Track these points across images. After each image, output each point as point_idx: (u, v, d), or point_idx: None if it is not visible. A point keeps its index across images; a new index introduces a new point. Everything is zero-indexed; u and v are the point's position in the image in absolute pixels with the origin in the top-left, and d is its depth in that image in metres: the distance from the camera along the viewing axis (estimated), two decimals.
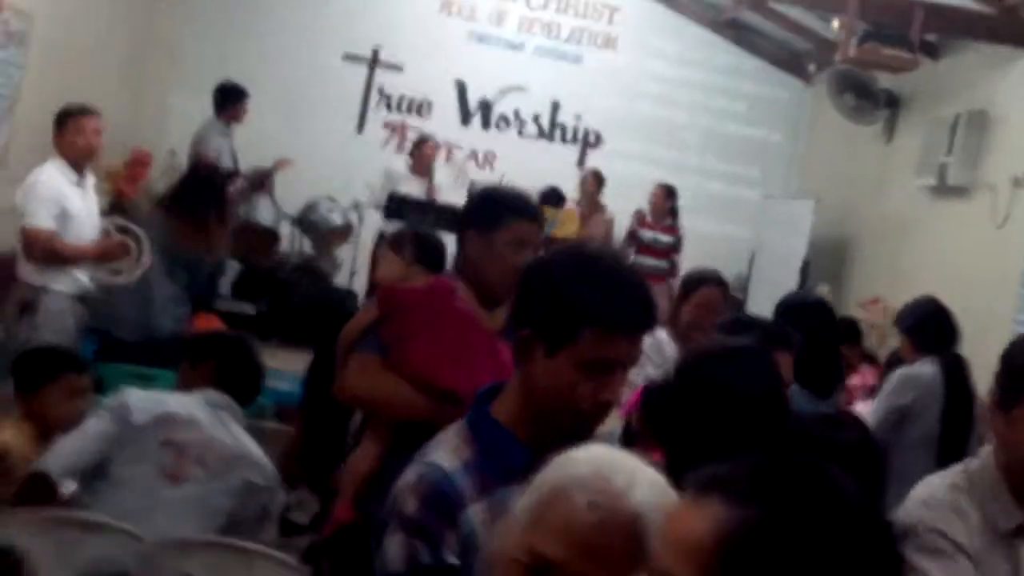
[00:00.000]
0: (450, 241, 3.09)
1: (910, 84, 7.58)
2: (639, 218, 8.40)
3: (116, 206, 6.97)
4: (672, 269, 8.12)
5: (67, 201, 4.55)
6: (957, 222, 6.73)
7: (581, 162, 9.58)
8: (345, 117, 9.38)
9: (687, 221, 8.48)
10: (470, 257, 2.47)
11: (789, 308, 3.63)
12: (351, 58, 9.37)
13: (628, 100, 9.61)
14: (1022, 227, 5.94)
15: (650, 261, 8.12)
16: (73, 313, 4.61)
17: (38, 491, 2.72)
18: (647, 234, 8.33)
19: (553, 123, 9.72)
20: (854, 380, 5.11)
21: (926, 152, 7.01)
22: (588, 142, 9.73)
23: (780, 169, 9.84)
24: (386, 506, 1.62)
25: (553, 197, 8.23)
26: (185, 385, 3.14)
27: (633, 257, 8.08)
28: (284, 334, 7.03)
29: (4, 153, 6.39)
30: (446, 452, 1.64)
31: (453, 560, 1.53)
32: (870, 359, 5.69)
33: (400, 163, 8.37)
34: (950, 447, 3.91)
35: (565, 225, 8.11)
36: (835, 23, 7.42)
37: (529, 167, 9.08)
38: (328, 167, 8.61)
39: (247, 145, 7.71)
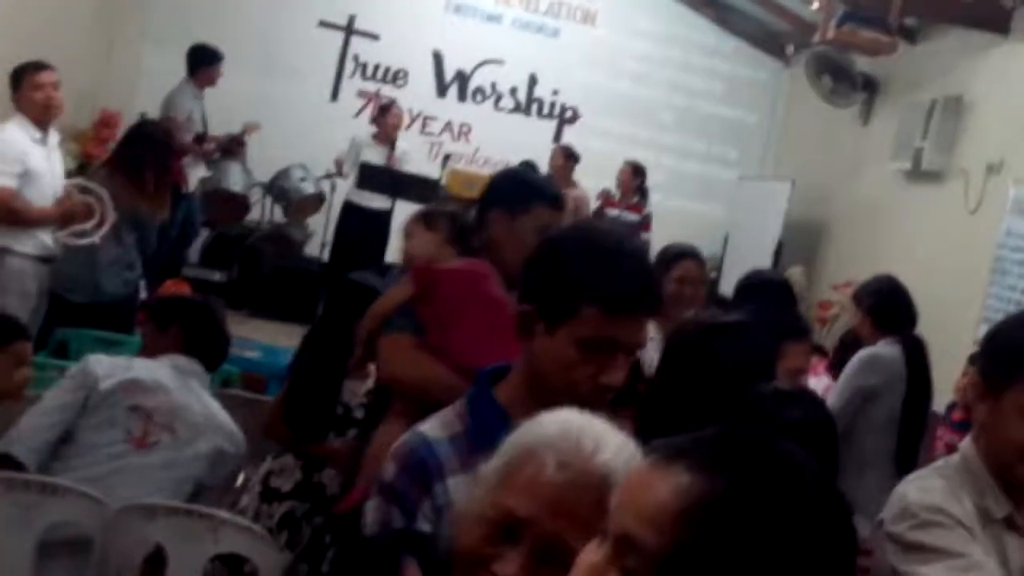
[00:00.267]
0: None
1: (887, 68, 7.59)
2: (604, 198, 8.38)
3: (84, 168, 6.85)
4: None
5: (29, 159, 4.45)
6: (931, 207, 6.76)
7: (557, 137, 9.53)
8: (319, 84, 9.26)
9: (663, 200, 8.46)
10: (493, 237, 2.47)
11: (749, 286, 3.63)
12: (327, 25, 9.25)
13: (605, 76, 9.56)
14: (995, 213, 5.96)
15: None
16: (36, 276, 4.53)
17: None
18: (612, 212, 8.30)
19: (530, 97, 9.65)
20: (811, 381, 5.10)
21: (902, 136, 7.03)
22: (564, 117, 9.68)
23: (756, 150, 9.85)
24: None
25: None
26: (151, 350, 3.10)
27: None
28: (253, 303, 6.97)
29: None
30: (436, 423, 1.64)
31: (425, 527, 1.52)
32: (818, 350, 5.66)
33: (368, 131, 8.23)
34: (910, 429, 3.93)
35: None
36: (814, 4, 7.41)
37: (505, 141, 9.04)
38: (301, 134, 8.49)
39: (219, 109, 7.59)
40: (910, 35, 7.31)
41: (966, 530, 1.63)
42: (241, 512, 2.95)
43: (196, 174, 7.32)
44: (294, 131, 8.45)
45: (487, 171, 8.25)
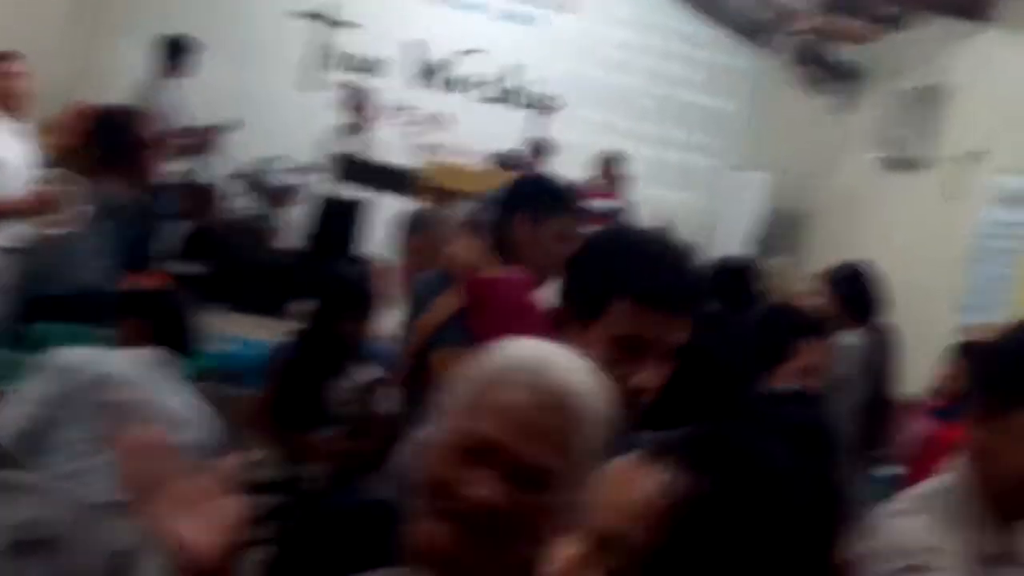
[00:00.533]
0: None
1: (869, 56, 7.58)
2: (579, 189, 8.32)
3: (60, 160, 6.75)
4: None
5: None
6: (911, 195, 6.77)
7: (536, 128, 9.48)
8: (297, 74, 9.19)
9: (644, 190, 8.43)
10: (516, 241, 2.51)
11: (722, 271, 3.63)
12: (305, 14, 9.17)
13: (585, 65, 9.53)
14: (974, 202, 5.97)
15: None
16: (7, 268, 4.47)
17: None
18: (589, 203, 8.26)
19: (509, 87, 9.61)
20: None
21: (882, 124, 7.03)
22: (544, 107, 9.64)
23: (736, 139, 9.83)
24: None
25: (510, 161, 8.13)
26: (121, 343, 3.06)
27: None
28: (231, 296, 6.91)
29: None
30: None
31: None
32: None
33: (345, 121, 8.19)
34: (874, 420, 3.93)
35: None
36: None
37: (484, 131, 8.98)
38: (278, 125, 8.42)
39: (195, 100, 7.52)
40: (892, 23, 7.31)
41: (959, 572, 1.49)
42: None
43: (173, 165, 7.26)
44: (271, 122, 8.37)
45: (470, 162, 8.22)
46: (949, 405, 4.29)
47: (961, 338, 4.69)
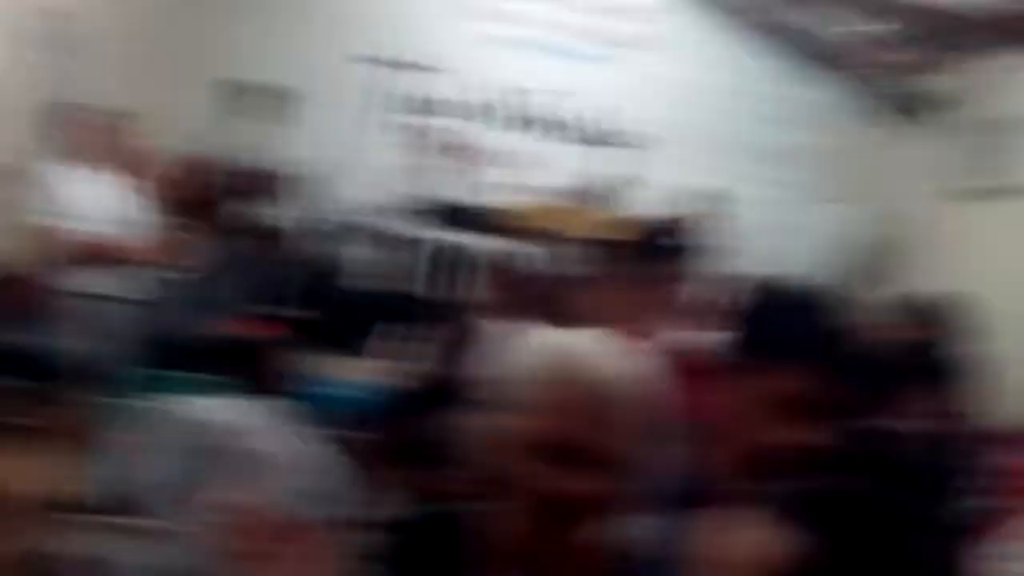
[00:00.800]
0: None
1: (942, 87, 7.52)
2: None
3: (171, 211, 6.96)
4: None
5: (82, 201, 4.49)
6: (985, 226, 6.68)
7: (620, 166, 9.50)
8: (380, 120, 9.20)
9: (739, 227, 8.33)
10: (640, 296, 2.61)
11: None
12: (383, 62, 9.11)
13: (674, 106, 9.53)
14: None
15: None
16: (126, 317, 4.62)
17: None
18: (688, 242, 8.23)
19: (594, 128, 9.64)
20: None
21: (955, 155, 6.96)
22: (629, 147, 9.65)
23: (819, 173, 9.71)
24: None
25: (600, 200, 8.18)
26: (239, 392, 3.15)
27: None
28: (343, 341, 6.93)
29: None
30: None
31: None
32: None
33: (433, 167, 8.28)
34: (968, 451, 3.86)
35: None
36: (872, 25, 7.35)
37: (566, 171, 9.04)
38: (368, 171, 8.56)
39: (278, 146, 7.66)
40: (961, 55, 7.23)
41: None
42: None
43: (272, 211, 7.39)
44: (361, 168, 8.50)
45: (558, 202, 8.30)
46: None
47: None
